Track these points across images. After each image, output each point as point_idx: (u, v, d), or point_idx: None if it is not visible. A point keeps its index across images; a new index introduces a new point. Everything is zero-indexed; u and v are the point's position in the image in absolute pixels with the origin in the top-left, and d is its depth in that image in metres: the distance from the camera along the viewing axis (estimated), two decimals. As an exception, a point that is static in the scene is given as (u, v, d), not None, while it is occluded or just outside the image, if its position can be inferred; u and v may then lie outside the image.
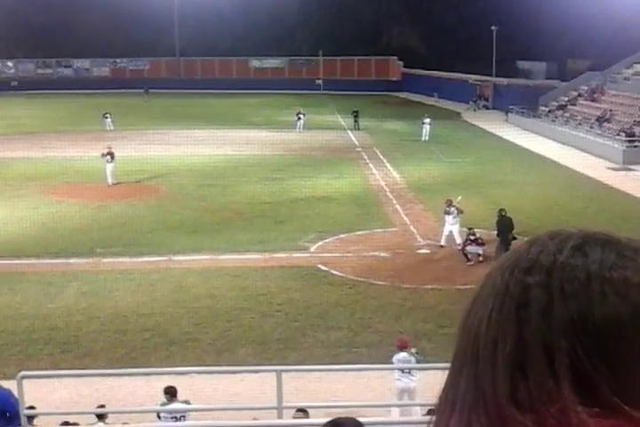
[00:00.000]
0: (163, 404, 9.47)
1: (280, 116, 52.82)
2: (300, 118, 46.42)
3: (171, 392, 9.67)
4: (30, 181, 29.28)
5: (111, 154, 29.48)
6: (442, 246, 20.77)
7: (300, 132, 45.31)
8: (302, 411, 8.66)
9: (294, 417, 8.54)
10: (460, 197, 22.04)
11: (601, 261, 0.72)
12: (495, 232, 19.68)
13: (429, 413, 0.81)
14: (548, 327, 0.69)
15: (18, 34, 75.41)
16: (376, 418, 8.73)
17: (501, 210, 19.91)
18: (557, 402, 0.67)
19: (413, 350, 11.61)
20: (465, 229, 20.08)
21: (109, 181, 29.27)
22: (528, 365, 0.69)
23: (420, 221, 23.60)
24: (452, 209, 20.84)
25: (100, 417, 9.33)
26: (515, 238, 19.59)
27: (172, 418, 9.20)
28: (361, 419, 7.73)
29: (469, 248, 19.53)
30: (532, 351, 0.69)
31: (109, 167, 29.38)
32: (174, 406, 9.38)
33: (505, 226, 19.40)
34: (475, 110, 59.59)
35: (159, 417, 9.28)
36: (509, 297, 0.72)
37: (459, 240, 20.40)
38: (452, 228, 20.82)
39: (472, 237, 19.51)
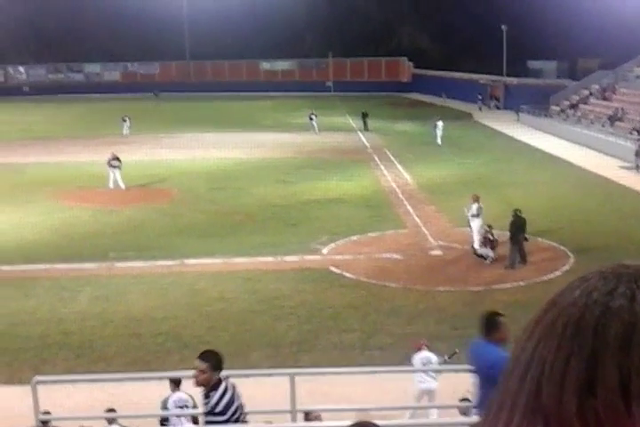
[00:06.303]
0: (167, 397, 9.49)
1: (290, 119, 52.89)
2: (312, 119, 46.46)
3: (175, 381, 9.62)
4: (43, 187, 29.38)
5: (118, 159, 29.31)
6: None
7: (317, 133, 45.30)
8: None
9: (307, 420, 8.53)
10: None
11: None
12: (508, 233, 19.54)
13: None
14: (628, 352, 0.69)
15: (28, 39, 75.87)
16: (393, 421, 8.72)
17: (516, 210, 19.74)
18: (626, 425, 0.67)
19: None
20: (485, 227, 19.90)
21: (122, 186, 29.07)
22: (599, 384, 0.69)
23: (431, 223, 23.55)
24: (473, 207, 20.44)
25: (111, 421, 9.34)
26: (527, 239, 19.57)
27: (177, 407, 9.22)
28: (378, 422, 7.72)
29: (482, 250, 19.45)
30: (607, 372, 0.69)
31: (117, 173, 29.17)
32: (179, 395, 9.36)
33: (519, 226, 19.34)
34: (480, 109, 59.37)
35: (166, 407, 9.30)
36: (588, 317, 0.72)
37: (476, 240, 20.13)
38: (473, 224, 20.41)
39: (490, 238, 19.42)
